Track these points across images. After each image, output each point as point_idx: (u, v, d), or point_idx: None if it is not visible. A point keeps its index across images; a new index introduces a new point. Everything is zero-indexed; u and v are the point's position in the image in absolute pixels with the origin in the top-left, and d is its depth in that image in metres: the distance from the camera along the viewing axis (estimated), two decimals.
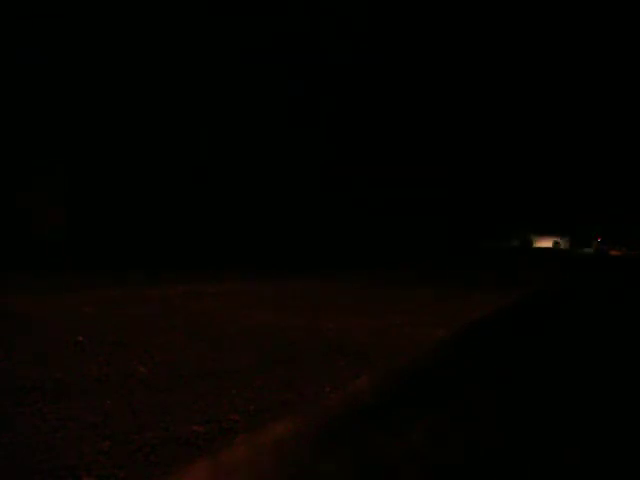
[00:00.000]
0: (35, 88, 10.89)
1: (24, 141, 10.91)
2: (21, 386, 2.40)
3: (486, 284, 9.39)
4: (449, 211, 26.89)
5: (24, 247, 10.73)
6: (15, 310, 4.67)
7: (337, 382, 2.60)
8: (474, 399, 2.36)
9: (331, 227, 18.42)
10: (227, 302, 5.64)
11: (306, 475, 1.59)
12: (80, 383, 2.49)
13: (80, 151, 11.48)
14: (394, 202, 21.96)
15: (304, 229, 17.21)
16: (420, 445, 1.80)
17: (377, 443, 1.81)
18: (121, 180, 12.13)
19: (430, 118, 23.33)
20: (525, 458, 1.73)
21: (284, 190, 16.39)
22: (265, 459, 1.69)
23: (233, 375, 2.70)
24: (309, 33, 16.23)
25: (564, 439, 1.91)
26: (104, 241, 11.70)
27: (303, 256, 16.07)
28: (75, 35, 11.13)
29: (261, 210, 15.70)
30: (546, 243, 54.01)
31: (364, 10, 17.42)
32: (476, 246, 30.54)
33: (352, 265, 14.16)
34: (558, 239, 54.65)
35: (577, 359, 3.27)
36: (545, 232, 53.70)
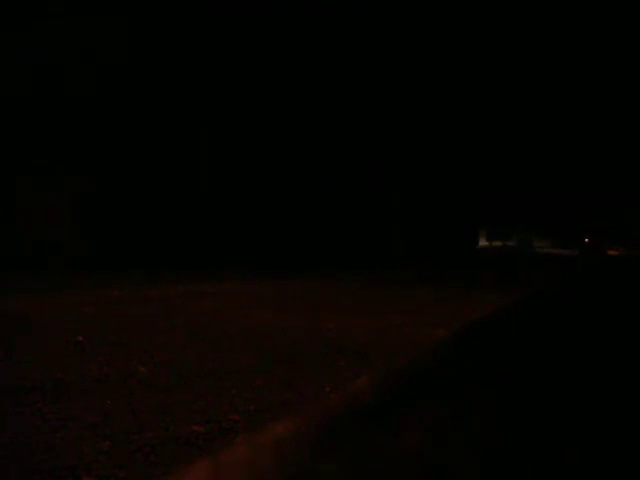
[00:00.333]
0: (35, 88, 10.89)
1: (24, 141, 10.92)
2: (21, 386, 2.41)
3: (486, 284, 9.39)
4: (449, 212, 26.90)
5: (24, 247, 10.73)
6: (15, 310, 4.67)
7: (337, 382, 2.61)
8: (474, 399, 2.36)
9: (331, 227, 18.43)
10: (227, 302, 5.64)
11: (306, 475, 1.59)
12: (80, 383, 2.49)
13: (80, 151, 11.48)
14: (394, 202, 21.98)
15: (304, 229, 17.21)
16: (420, 445, 1.80)
17: (377, 443, 1.81)
18: (121, 180, 12.13)
19: (429, 118, 23.35)
20: (525, 458, 1.73)
21: (284, 190, 16.40)
22: (265, 459, 1.69)
23: (233, 375, 2.70)
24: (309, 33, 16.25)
25: (564, 439, 1.91)
26: (104, 241, 11.70)
27: (303, 256, 16.07)
28: (76, 35, 11.13)
29: (261, 210, 15.71)
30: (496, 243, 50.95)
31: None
32: (474, 246, 30.55)
33: (352, 265, 14.16)
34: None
35: (578, 359, 3.27)
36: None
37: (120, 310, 4.82)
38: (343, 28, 17.73)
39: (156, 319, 4.37)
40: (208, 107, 14.03)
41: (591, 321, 5.03)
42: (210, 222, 14.23)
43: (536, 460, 1.72)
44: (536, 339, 3.96)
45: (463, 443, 1.83)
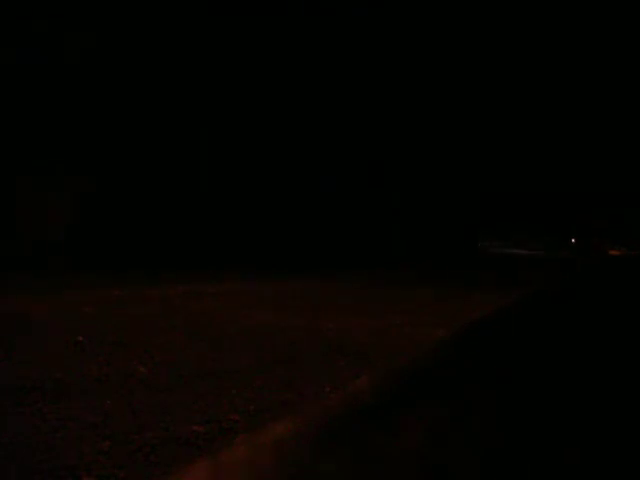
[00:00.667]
0: (35, 88, 10.89)
1: (24, 140, 10.92)
2: (21, 386, 2.40)
3: (486, 284, 9.39)
4: (449, 211, 26.90)
5: (24, 247, 10.73)
6: (15, 310, 4.67)
7: (337, 382, 2.61)
8: (474, 399, 2.36)
9: (331, 227, 18.43)
10: (227, 302, 5.64)
11: (306, 475, 1.59)
12: (80, 383, 2.49)
13: (80, 151, 11.48)
14: (394, 202, 21.98)
15: (304, 229, 17.21)
16: (420, 445, 1.80)
17: (377, 443, 1.81)
18: (121, 180, 12.13)
19: (429, 118, 23.35)
20: (525, 458, 1.73)
21: (284, 190, 16.40)
22: (265, 459, 1.69)
23: (233, 375, 2.70)
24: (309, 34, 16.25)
25: (564, 439, 1.91)
26: (104, 241, 11.70)
27: (303, 256, 16.08)
28: (76, 35, 11.13)
29: (261, 210, 15.70)
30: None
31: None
32: (474, 246, 30.53)
33: (352, 265, 14.16)
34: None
35: (579, 359, 3.27)
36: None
37: (120, 310, 4.82)
38: (343, 28, 17.72)
39: (156, 319, 4.37)
40: (209, 107, 14.04)
41: (592, 321, 5.03)
42: (210, 222, 14.23)
43: (536, 460, 1.72)
44: (536, 339, 3.96)
45: (463, 443, 1.83)
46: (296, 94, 16.43)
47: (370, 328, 4.23)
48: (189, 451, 1.75)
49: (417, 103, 22.13)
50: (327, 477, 1.56)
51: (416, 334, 4.00)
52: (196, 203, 13.86)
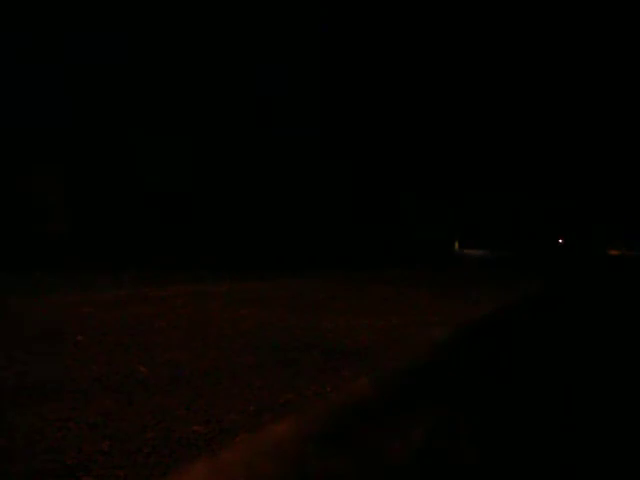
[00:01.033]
0: (35, 87, 10.89)
1: (25, 140, 10.92)
2: (21, 386, 2.40)
3: (486, 284, 9.40)
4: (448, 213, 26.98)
5: (24, 247, 10.73)
6: (15, 310, 4.67)
7: (337, 382, 2.60)
8: (475, 399, 2.36)
9: (333, 228, 18.43)
10: (227, 302, 5.63)
11: (306, 475, 1.59)
12: (80, 383, 2.48)
13: (80, 151, 11.48)
14: (394, 204, 22.01)
15: (305, 229, 17.21)
16: (420, 445, 1.80)
17: (377, 443, 1.80)
18: (121, 180, 12.13)
19: (429, 120, 23.35)
20: (526, 458, 1.73)
21: (286, 191, 16.40)
22: (265, 459, 1.69)
23: (233, 375, 2.70)
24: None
25: (564, 439, 1.91)
26: (104, 241, 11.70)
27: (304, 256, 16.08)
28: (76, 35, 11.13)
29: (262, 210, 15.71)
30: None
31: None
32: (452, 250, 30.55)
33: (353, 265, 14.16)
34: None
35: (579, 359, 3.27)
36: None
37: (120, 310, 4.82)
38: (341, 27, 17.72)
39: (156, 319, 4.37)
40: (209, 107, 14.03)
41: (592, 320, 5.03)
42: (210, 222, 14.23)
43: (537, 460, 1.71)
44: (537, 338, 3.96)
45: (464, 443, 1.83)
46: (295, 94, 16.42)
47: (371, 328, 4.23)
48: (189, 451, 1.75)
49: (415, 107, 22.13)
50: (328, 477, 1.56)
51: (417, 334, 4.00)
52: (196, 203, 13.86)
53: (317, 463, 1.64)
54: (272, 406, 2.22)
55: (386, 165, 20.58)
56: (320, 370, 2.84)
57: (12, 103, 10.84)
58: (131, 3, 11.93)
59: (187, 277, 8.75)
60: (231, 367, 2.85)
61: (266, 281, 8.52)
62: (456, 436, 1.90)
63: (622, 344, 3.88)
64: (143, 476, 1.57)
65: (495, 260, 23.21)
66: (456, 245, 30.21)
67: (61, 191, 11.27)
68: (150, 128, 12.55)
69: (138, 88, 12.39)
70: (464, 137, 26.52)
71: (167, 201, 13.08)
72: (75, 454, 1.70)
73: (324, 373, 2.78)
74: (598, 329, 4.55)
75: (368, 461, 1.66)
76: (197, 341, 3.52)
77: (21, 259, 10.44)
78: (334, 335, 3.87)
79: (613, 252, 47.25)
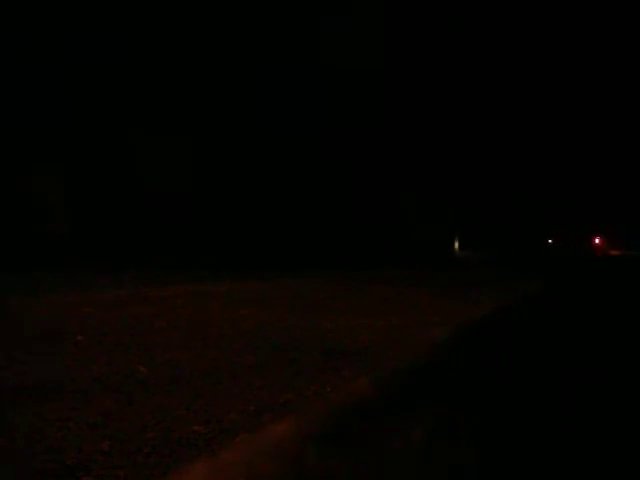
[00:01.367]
0: (35, 87, 10.89)
1: (25, 140, 10.92)
2: (21, 386, 2.40)
3: (486, 284, 9.39)
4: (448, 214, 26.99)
5: (24, 247, 10.73)
6: (15, 310, 4.67)
7: (337, 382, 2.60)
8: (475, 399, 2.36)
9: (333, 228, 18.43)
10: (227, 302, 5.63)
11: (306, 475, 1.59)
12: (80, 383, 2.48)
13: (80, 152, 11.48)
14: (394, 204, 22.01)
15: (305, 229, 17.21)
16: (420, 445, 1.80)
17: (377, 443, 1.80)
18: (121, 180, 12.13)
19: (429, 121, 23.36)
20: (526, 458, 1.73)
21: (286, 191, 16.40)
22: (265, 459, 1.69)
23: (233, 375, 2.70)
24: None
25: (565, 439, 1.91)
26: (104, 241, 11.70)
27: (304, 256, 16.07)
28: (76, 35, 11.13)
29: (262, 210, 15.70)
30: None
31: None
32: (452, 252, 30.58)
33: (353, 265, 14.17)
34: None
35: (579, 359, 3.27)
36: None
37: (120, 310, 4.82)
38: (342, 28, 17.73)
39: (156, 319, 4.37)
40: (209, 107, 14.03)
41: (592, 319, 5.03)
42: (210, 222, 14.23)
43: (537, 460, 1.72)
44: (538, 338, 3.96)
45: (464, 443, 1.83)
46: (295, 94, 16.42)
47: (371, 328, 4.22)
48: (189, 451, 1.75)
49: (415, 110, 22.14)
50: (327, 477, 1.56)
51: (417, 334, 4.00)
52: (196, 203, 13.86)
53: (317, 463, 1.64)
54: (272, 406, 2.22)
55: (386, 165, 20.59)
56: (320, 370, 2.84)
57: (12, 103, 10.84)
58: (131, 3, 11.94)
59: (187, 277, 8.75)
60: (231, 367, 2.85)
61: (266, 281, 8.52)
62: (456, 436, 1.90)
63: (622, 344, 3.89)
64: (143, 476, 1.57)
65: (495, 260, 23.25)
66: (456, 245, 30.24)
67: (61, 191, 11.26)
68: (150, 128, 12.55)
69: (138, 88, 12.39)
70: (464, 137, 26.51)
71: (167, 201, 13.08)
72: (75, 454, 1.70)
73: (324, 373, 2.78)
74: (598, 329, 4.55)
75: (368, 461, 1.66)
76: (197, 341, 3.52)
77: (21, 259, 10.43)
78: (334, 335, 3.87)
79: (613, 252, 47.29)
